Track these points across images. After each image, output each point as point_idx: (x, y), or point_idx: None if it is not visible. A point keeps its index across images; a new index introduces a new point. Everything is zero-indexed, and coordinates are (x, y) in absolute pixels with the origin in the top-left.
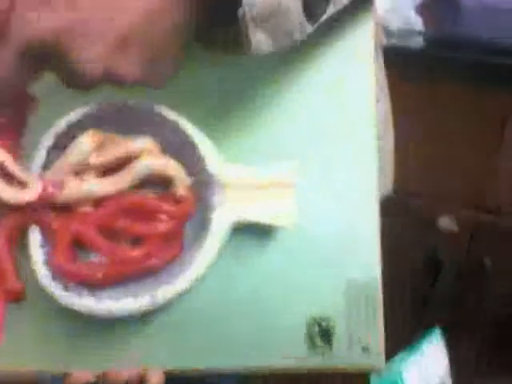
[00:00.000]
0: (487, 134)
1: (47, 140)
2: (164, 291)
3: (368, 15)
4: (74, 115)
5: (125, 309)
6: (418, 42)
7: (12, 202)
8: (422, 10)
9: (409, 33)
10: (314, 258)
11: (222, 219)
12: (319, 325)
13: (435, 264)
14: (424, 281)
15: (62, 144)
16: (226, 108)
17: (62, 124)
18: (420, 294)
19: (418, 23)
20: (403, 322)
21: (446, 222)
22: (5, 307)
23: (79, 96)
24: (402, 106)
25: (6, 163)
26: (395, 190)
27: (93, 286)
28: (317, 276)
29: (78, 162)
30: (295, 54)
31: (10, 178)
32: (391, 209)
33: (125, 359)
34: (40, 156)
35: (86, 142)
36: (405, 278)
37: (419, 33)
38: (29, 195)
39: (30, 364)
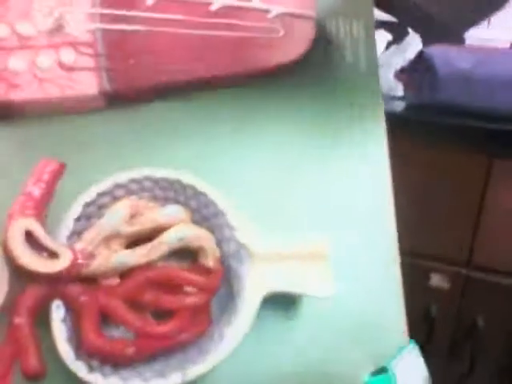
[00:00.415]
0: (470, 193)
1: (75, 209)
2: (195, 369)
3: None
4: (103, 185)
5: None
6: (398, 106)
7: (41, 272)
8: (401, 75)
9: (390, 98)
10: (340, 337)
11: (253, 292)
12: None
13: (429, 322)
14: (417, 340)
15: (88, 214)
16: (252, 176)
17: (91, 193)
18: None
19: (398, 88)
20: None
21: (437, 280)
22: None
23: (107, 164)
24: None
25: (35, 232)
26: None
27: (117, 364)
28: (343, 358)
29: (111, 231)
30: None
31: (39, 248)
32: None
33: None
34: (67, 226)
35: (121, 210)
36: None
37: (400, 98)
38: (59, 266)
39: None
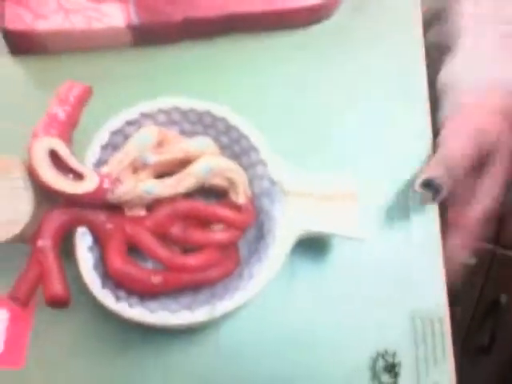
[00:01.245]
0: None
1: (102, 137)
2: (223, 306)
3: None
4: (131, 113)
5: (181, 321)
6: None
7: (66, 192)
8: None
9: None
10: (376, 286)
11: (285, 231)
12: (384, 359)
13: (451, 296)
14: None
15: (115, 142)
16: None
17: (118, 121)
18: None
19: None
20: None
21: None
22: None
23: (134, 93)
24: None
25: (61, 153)
26: None
27: (143, 296)
28: (379, 306)
29: (138, 156)
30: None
31: (64, 169)
32: None
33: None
34: (94, 153)
35: (149, 135)
36: (463, 326)
37: None
38: (85, 188)
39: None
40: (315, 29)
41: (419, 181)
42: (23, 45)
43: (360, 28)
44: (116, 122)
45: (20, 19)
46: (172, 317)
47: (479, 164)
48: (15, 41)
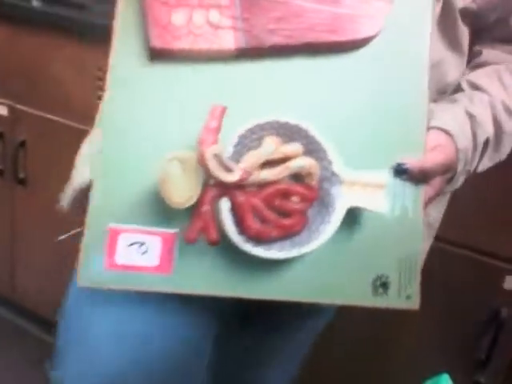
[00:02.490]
0: None
1: (233, 139)
2: (304, 249)
3: None
4: (248, 124)
5: (282, 255)
6: None
7: (222, 179)
8: None
9: None
10: (378, 239)
11: (341, 204)
12: (381, 279)
13: (498, 324)
14: (484, 340)
15: (242, 143)
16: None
17: (242, 129)
18: (478, 355)
19: None
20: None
21: (511, 282)
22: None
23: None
24: None
25: (220, 154)
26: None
27: (261, 242)
28: (379, 249)
29: (264, 157)
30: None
31: (221, 165)
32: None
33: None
34: (228, 152)
35: (273, 144)
36: (463, 337)
37: None
38: (233, 177)
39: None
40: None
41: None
42: (158, 55)
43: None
44: (243, 128)
45: (162, 39)
46: (279, 253)
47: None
48: (156, 54)
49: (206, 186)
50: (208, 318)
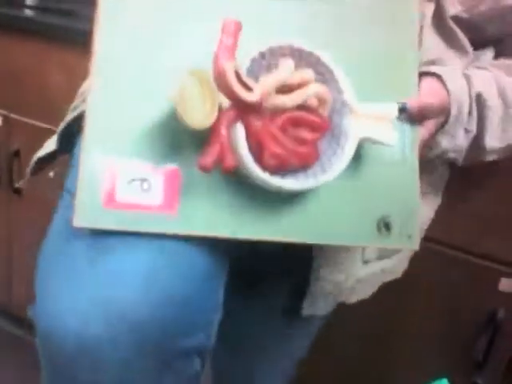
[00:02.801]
0: None
1: (246, 62)
2: (322, 177)
3: None
4: (262, 47)
5: (299, 186)
6: None
7: (243, 99)
8: None
9: None
10: (380, 181)
11: (352, 135)
12: (384, 220)
13: (494, 327)
14: (482, 341)
15: (260, 62)
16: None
17: (255, 52)
18: (475, 357)
19: None
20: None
21: (506, 284)
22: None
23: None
24: None
25: (240, 72)
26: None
27: (276, 173)
28: (382, 190)
29: (282, 80)
30: None
31: (241, 83)
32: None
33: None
34: (245, 65)
35: (290, 67)
36: (460, 339)
37: None
38: (254, 97)
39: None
40: None
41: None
42: None
43: None
44: (254, 53)
45: None
46: (297, 182)
47: None
48: None
49: (222, 110)
50: (220, 261)
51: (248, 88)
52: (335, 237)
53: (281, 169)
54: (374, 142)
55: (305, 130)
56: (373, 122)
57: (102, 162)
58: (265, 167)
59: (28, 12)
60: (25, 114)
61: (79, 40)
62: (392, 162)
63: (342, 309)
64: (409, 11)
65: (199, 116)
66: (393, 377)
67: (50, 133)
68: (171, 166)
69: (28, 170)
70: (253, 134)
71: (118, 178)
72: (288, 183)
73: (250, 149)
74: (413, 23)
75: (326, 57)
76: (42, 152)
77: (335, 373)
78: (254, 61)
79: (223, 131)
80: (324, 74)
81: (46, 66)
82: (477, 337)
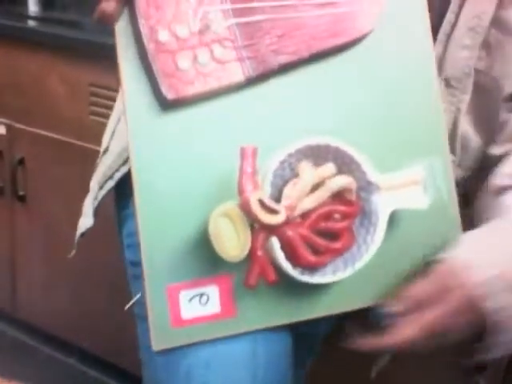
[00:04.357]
0: None
1: (269, 176)
2: (357, 265)
3: None
4: (280, 156)
5: (338, 278)
6: None
7: (269, 223)
8: None
9: None
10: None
11: (383, 210)
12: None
13: None
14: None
15: (281, 169)
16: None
17: (275, 163)
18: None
19: None
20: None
21: None
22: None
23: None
24: None
25: (264, 199)
26: None
27: (313, 270)
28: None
29: (306, 189)
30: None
31: (265, 208)
32: None
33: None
34: (266, 190)
35: (308, 173)
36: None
37: None
38: (279, 219)
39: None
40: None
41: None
42: (173, 105)
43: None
44: (281, 155)
45: (174, 89)
46: (333, 277)
47: None
48: (170, 104)
49: (253, 231)
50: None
51: (273, 211)
52: (381, 296)
53: (318, 268)
54: (406, 211)
55: (336, 219)
56: (401, 190)
57: (165, 290)
58: (303, 269)
59: (31, 23)
60: (28, 123)
61: (82, 50)
62: (428, 208)
63: None
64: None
65: (236, 251)
66: (393, 374)
67: (54, 141)
68: (222, 275)
69: (75, 245)
70: (287, 243)
71: (180, 299)
72: (326, 279)
73: (288, 255)
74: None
75: (342, 144)
76: (81, 229)
77: (334, 365)
78: (276, 170)
79: (259, 252)
80: (344, 159)
81: (49, 75)
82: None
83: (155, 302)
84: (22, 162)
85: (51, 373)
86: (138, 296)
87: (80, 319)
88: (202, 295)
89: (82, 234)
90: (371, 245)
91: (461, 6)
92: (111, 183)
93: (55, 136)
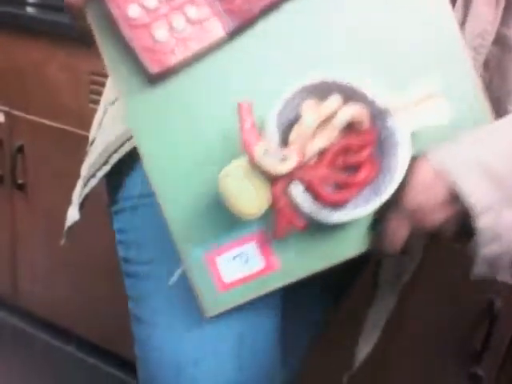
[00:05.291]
0: None
1: (272, 121)
2: (384, 195)
3: None
4: (280, 102)
5: (370, 208)
6: None
7: (283, 172)
8: None
9: None
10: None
11: (404, 134)
12: None
13: (491, 317)
14: (480, 330)
15: (284, 115)
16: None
17: (277, 108)
18: (473, 347)
19: None
20: (454, 375)
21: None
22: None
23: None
24: None
25: (270, 148)
26: None
27: (341, 208)
28: None
29: (310, 130)
30: None
31: (276, 157)
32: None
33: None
34: (273, 136)
35: (310, 113)
36: (458, 329)
37: None
38: (292, 164)
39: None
40: None
41: None
42: (160, 78)
43: None
44: (287, 93)
45: (157, 62)
46: (367, 208)
47: None
48: (156, 77)
49: (271, 182)
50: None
51: (283, 159)
52: None
53: (347, 204)
54: (428, 127)
55: (354, 152)
56: (419, 108)
57: (203, 259)
58: (332, 208)
59: (30, 10)
60: (27, 111)
61: (82, 37)
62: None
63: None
64: None
65: (253, 206)
66: (389, 366)
67: (53, 129)
68: (255, 231)
69: (64, 235)
70: (307, 187)
71: (220, 264)
72: (358, 212)
73: (312, 198)
74: None
75: (340, 77)
76: (69, 222)
77: (334, 357)
78: (279, 115)
79: (281, 203)
80: (348, 92)
81: (49, 63)
82: (475, 327)
83: (197, 274)
84: (21, 150)
85: (50, 360)
86: (179, 271)
87: (79, 307)
88: (240, 255)
89: (70, 228)
90: (396, 172)
91: (463, 23)
92: (94, 181)
93: (55, 124)
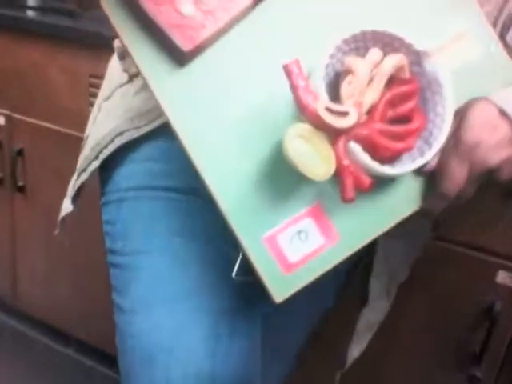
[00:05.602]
0: None
1: (320, 76)
2: (440, 138)
3: None
4: (327, 51)
5: (429, 155)
6: None
7: (346, 127)
8: None
9: None
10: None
11: (445, 74)
12: None
13: (490, 319)
14: (479, 333)
15: (328, 72)
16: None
17: (323, 64)
18: (472, 349)
19: None
20: (453, 377)
21: (503, 277)
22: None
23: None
24: None
25: (331, 106)
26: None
27: (401, 161)
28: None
29: (363, 82)
30: None
31: (336, 114)
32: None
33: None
34: (321, 85)
35: (360, 65)
36: (457, 332)
37: None
38: (354, 118)
39: None
40: None
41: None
42: (193, 55)
43: None
44: (322, 59)
45: (189, 38)
46: (412, 164)
47: None
48: (189, 55)
49: (331, 142)
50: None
51: (344, 113)
52: None
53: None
54: (465, 64)
55: (402, 102)
56: (451, 48)
57: (261, 242)
58: (392, 163)
59: (30, 13)
60: (27, 114)
61: (81, 40)
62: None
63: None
64: None
65: (323, 168)
66: (390, 367)
67: (53, 132)
68: (310, 205)
69: (58, 226)
70: (367, 143)
71: (281, 245)
72: (417, 162)
73: (371, 155)
74: None
75: (377, 26)
76: (62, 213)
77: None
78: (326, 68)
79: (345, 162)
80: (386, 40)
81: (49, 66)
82: (474, 329)
83: (259, 258)
84: (21, 152)
85: (49, 362)
86: (239, 261)
87: (79, 310)
88: (299, 233)
89: (63, 219)
90: (445, 114)
91: None
92: (85, 175)
93: (55, 127)
